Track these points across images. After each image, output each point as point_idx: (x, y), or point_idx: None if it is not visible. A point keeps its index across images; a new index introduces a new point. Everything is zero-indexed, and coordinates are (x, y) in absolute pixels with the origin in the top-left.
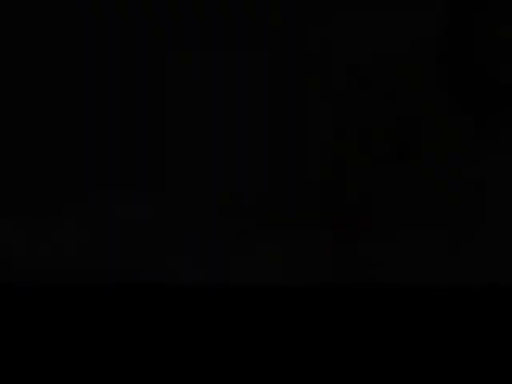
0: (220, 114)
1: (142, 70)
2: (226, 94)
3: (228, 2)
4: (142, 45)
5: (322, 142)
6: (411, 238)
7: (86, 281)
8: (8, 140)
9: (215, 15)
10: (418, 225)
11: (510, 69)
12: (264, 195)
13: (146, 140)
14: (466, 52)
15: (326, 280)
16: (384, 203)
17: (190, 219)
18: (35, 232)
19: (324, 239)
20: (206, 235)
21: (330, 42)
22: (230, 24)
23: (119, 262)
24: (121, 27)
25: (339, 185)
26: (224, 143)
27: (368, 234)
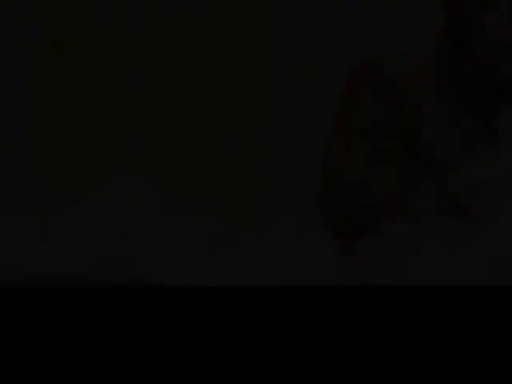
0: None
1: None
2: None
3: None
4: None
5: (322, 141)
6: (413, 239)
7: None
8: None
9: None
10: (420, 225)
11: (509, 66)
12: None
13: None
14: (466, 50)
15: (326, 281)
16: (384, 203)
17: None
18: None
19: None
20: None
21: (329, 41)
22: None
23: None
24: None
25: (340, 185)
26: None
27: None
